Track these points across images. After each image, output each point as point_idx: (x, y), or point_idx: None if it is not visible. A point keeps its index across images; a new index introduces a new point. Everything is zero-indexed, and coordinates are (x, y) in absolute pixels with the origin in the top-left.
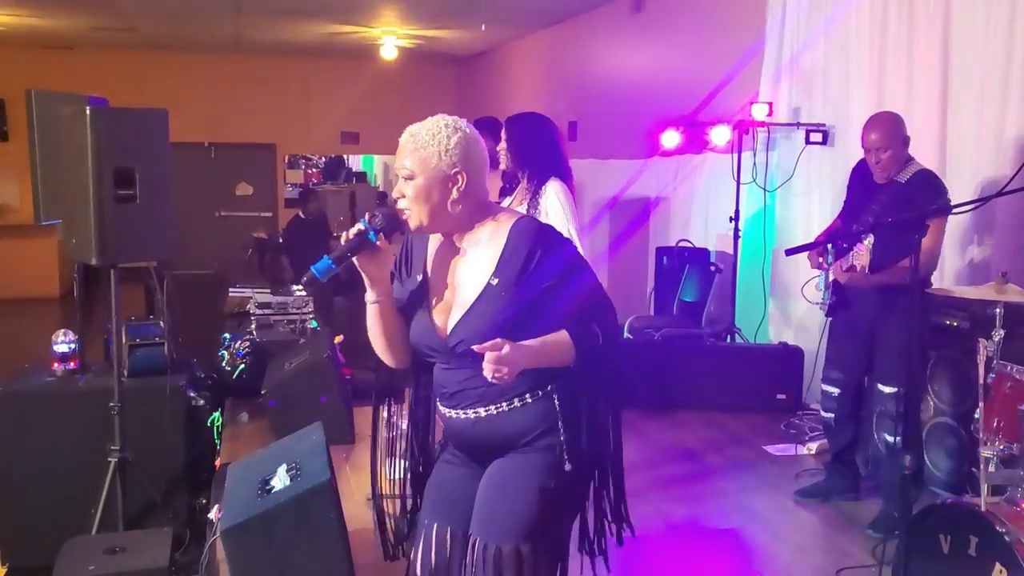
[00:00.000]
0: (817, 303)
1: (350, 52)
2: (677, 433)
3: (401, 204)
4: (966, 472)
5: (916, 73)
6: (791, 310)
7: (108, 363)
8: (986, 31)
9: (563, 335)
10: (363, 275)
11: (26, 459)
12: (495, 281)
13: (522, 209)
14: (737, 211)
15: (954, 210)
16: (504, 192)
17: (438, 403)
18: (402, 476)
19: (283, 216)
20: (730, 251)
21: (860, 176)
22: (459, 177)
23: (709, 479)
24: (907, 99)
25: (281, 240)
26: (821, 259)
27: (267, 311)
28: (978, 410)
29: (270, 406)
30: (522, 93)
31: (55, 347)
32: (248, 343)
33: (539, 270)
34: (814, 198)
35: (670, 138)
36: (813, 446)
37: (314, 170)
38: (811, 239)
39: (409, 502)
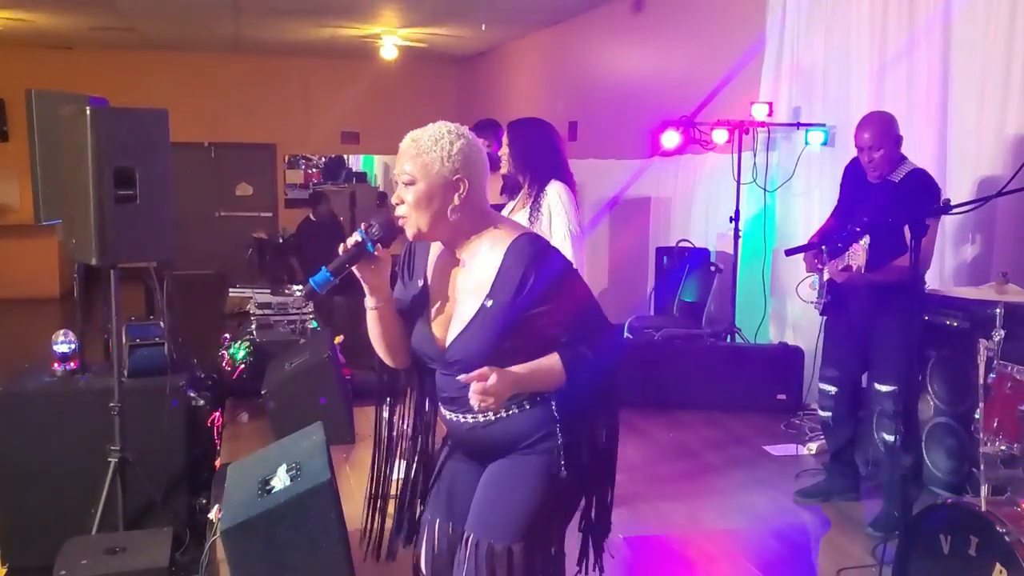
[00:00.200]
0: (812, 302)
1: (350, 52)
2: (677, 433)
3: (400, 211)
4: (966, 472)
5: (916, 73)
6: (791, 310)
7: (108, 363)
8: (986, 31)
9: (555, 359)
10: (362, 283)
11: (26, 459)
12: (489, 303)
13: (524, 213)
14: (737, 211)
15: (954, 210)
16: (505, 190)
17: (440, 405)
18: (401, 476)
19: (283, 216)
20: (730, 251)
21: (853, 175)
22: (461, 184)
23: (709, 479)
24: (907, 99)
25: (291, 242)
26: (816, 260)
27: (267, 311)
28: (978, 410)
29: (267, 406)
30: (522, 93)
31: (55, 347)
32: (248, 344)
33: (532, 294)
34: (814, 198)
35: (670, 138)
36: (813, 446)
37: (314, 170)
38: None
39: (409, 502)
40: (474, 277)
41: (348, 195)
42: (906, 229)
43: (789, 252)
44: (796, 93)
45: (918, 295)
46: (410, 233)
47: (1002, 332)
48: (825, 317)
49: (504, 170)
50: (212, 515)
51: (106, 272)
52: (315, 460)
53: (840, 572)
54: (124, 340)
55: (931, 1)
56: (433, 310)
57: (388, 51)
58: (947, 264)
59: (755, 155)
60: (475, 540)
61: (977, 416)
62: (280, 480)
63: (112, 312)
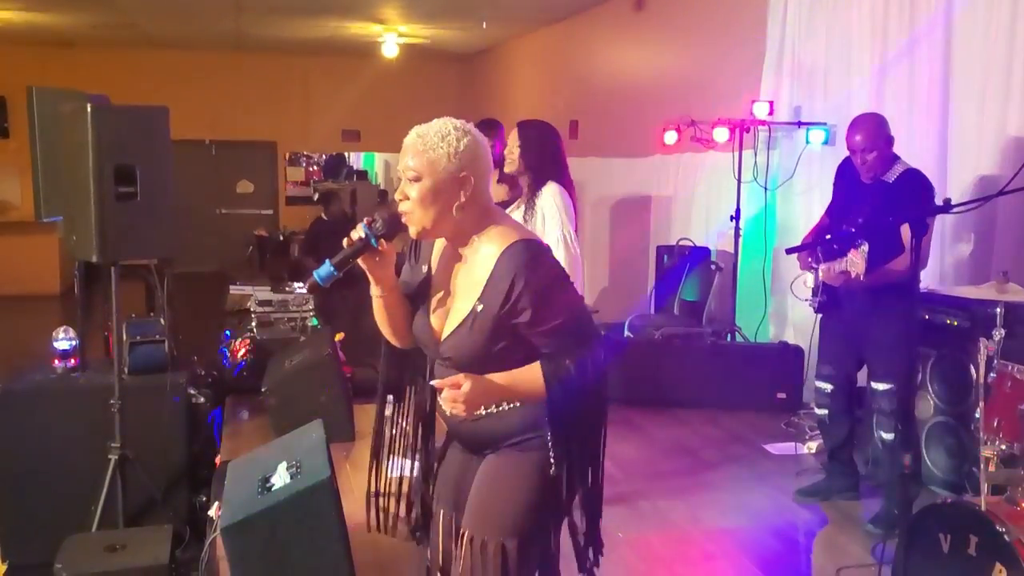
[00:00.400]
0: (806, 299)
1: (351, 50)
2: (677, 431)
3: (403, 207)
4: (966, 471)
5: (917, 72)
6: (791, 309)
7: (109, 360)
8: (987, 30)
9: (536, 370)
10: (367, 273)
11: (26, 456)
12: (480, 308)
13: (519, 212)
14: (738, 210)
15: (954, 209)
16: (506, 182)
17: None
18: (400, 475)
19: (284, 214)
20: (731, 250)
21: (846, 174)
22: (467, 181)
23: (709, 477)
24: (908, 98)
25: (304, 241)
26: (810, 259)
27: (268, 308)
28: (978, 409)
29: (267, 403)
30: (523, 91)
31: (56, 344)
32: (249, 343)
33: (519, 303)
34: (815, 197)
35: (671, 136)
36: (813, 445)
37: (315, 168)
38: None
39: (410, 501)
40: (472, 275)
41: (349, 193)
42: (903, 229)
43: (790, 251)
44: (797, 92)
45: (914, 293)
46: (414, 232)
47: (1002, 331)
48: (820, 315)
49: (508, 169)
50: (212, 512)
51: (107, 269)
52: (315, 458)
53: (840, 571)
54: (124, 337)
55: (932, 1)
56: (435, 300)
57: (389, 49)
58: (947, 263)
59: (756, 154)
60: (470, 536)
61: (977, 415)
62: (280, 478)
63: (113, 309)
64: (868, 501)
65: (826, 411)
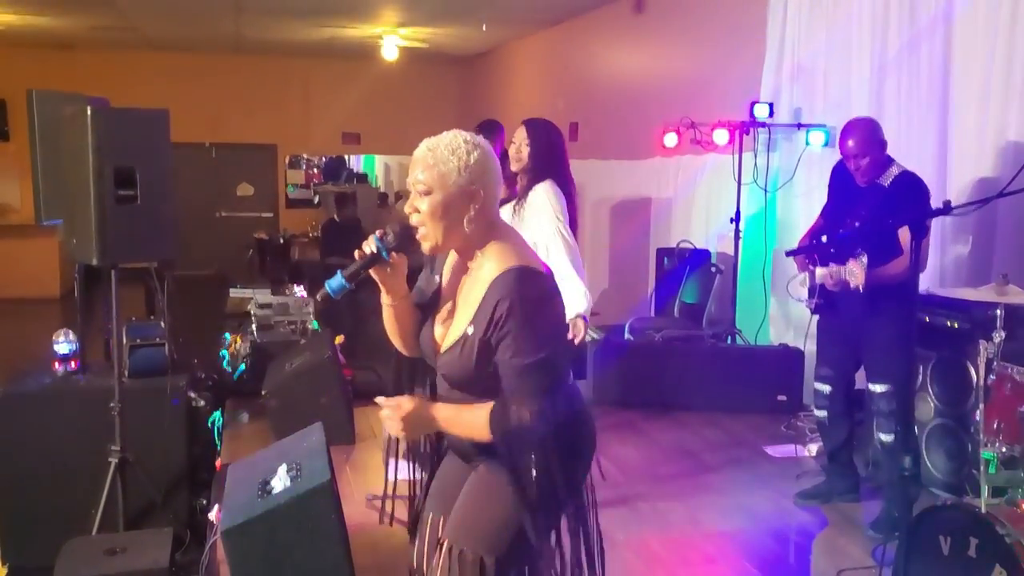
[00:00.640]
0: (802, 300)
1: (351, 52)
2: (677, 434)
3: (414, 220)
4: (966, 473)
5: (917, 73)
6: (792, 311)
7: (109, 363)
8: (988, 32)
9: (484, 411)
10: (379, 283)
11: (27, 459)
12: (470, 331)
13: (508, 208)
14: (738, 212)
15: (955, 211)
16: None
17: None
18: (404, 478)
19: (284, 217)
20: (731, 252)
21: (840, 177)
22: (476, 194)
23: (709, 480)
24: (909, 100)
25: (321, 242)
26: (807, 260)
27: (267, 311)
28: (978, 412)
29: (268, 406)
30: (523, 93)
31: (56, 347)
32: (249, 344)
33: (499, 334)
34: (815, 199)
35: (671, 138)
36: (813, 447)
37: (315, 171)
38: None
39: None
40: (473, 292)
41: (349, 196)
42: (902, 232)
43: (790, 253)
44: (797, 94)
45: (912, 296)
46: (427, 247)
47: (1002, 333)
48: (817, 316)
49: (515, 167)
50: (212, 515)
51: (106, 272)
52: (315, 461)
53: (840, 573)
54: (124, 340)
55: (932, 1)
56: (442, 312)
57: (389, 51)
58: (947, 265)
59: (756, 156)
60: (449, 546)
61: (977, 417)
62: (280, 481)
63: (112, 312)
64: (868, 503)
65: (825, 412)
